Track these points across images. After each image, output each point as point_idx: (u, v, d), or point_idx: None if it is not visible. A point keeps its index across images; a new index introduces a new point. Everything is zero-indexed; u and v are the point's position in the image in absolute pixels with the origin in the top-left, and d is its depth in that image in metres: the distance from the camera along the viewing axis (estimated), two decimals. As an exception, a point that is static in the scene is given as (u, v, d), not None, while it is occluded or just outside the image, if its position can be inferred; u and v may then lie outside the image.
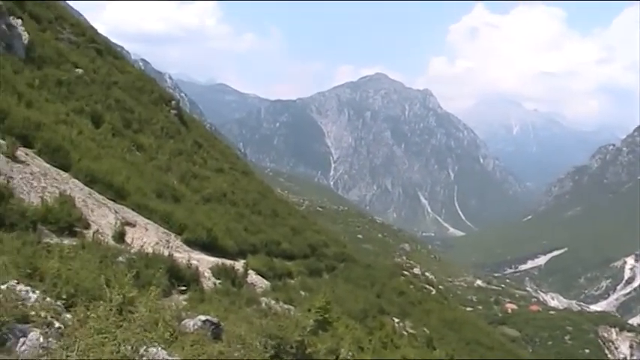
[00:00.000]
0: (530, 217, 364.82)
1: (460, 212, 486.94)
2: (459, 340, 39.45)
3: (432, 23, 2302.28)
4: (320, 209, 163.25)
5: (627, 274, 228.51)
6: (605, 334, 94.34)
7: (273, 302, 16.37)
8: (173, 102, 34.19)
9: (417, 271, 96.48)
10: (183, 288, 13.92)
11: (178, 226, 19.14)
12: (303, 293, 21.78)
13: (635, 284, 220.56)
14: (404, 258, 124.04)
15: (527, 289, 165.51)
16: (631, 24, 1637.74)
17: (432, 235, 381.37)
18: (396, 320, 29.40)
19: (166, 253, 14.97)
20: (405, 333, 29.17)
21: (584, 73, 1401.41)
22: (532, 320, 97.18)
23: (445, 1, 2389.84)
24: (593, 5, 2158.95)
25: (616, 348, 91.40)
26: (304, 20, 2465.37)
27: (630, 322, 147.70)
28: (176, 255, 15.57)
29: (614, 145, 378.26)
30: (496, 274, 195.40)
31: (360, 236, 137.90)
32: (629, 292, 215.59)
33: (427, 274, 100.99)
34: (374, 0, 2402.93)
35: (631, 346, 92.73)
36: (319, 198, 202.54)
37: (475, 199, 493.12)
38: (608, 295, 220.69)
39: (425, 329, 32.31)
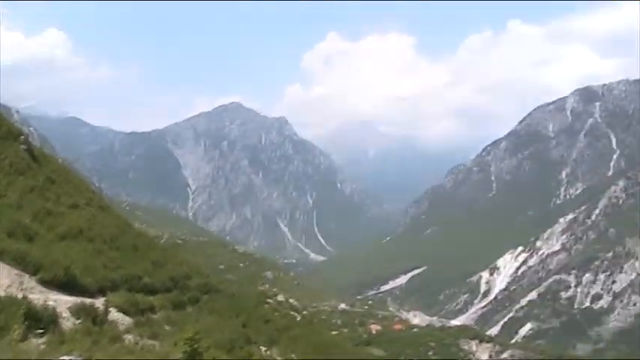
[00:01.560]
0: (389, 238, 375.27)
1: (320, 237, 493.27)
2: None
3: (286, 51, 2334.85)
4: (180, 241, 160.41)
5: (483, 287, 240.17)
6: (466, 347, 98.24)
7: (138, 338, 15.92)
8: (22, 137, 32.57)
9: (281, 298, 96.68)
10: (41, 331, 13.24)
11: (33, 265, 18.25)
12: (167, 327, 21.30)
13: (490, 297, 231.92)
14: (267, 286, 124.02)
15: (390, 309, 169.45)
16: (476, 50, 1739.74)
17: (294, 261, 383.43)
18: (264, 349, 29.29)
19: (20, 295, 14.23)
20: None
21: (436, 97, 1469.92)
22: (396, 339, 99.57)
23: (299, 30, 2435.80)
24: (441, 32, 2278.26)
25: (477, 359, 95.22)
26: (159, 50, 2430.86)
27: (488, 333, 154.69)
28: (31, 296, 14.81)
29: (464, 164, 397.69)
30: (359, 297, 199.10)
31: (222, 266, 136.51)
32: (486, 305, 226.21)
33: (291, 300, 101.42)
34: (227, 30, 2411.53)
35: (490, 356, 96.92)
36: (179, 230, 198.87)
37: (334, 224, 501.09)
38: (467, 309, 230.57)
39: (293, 355, 32.38)
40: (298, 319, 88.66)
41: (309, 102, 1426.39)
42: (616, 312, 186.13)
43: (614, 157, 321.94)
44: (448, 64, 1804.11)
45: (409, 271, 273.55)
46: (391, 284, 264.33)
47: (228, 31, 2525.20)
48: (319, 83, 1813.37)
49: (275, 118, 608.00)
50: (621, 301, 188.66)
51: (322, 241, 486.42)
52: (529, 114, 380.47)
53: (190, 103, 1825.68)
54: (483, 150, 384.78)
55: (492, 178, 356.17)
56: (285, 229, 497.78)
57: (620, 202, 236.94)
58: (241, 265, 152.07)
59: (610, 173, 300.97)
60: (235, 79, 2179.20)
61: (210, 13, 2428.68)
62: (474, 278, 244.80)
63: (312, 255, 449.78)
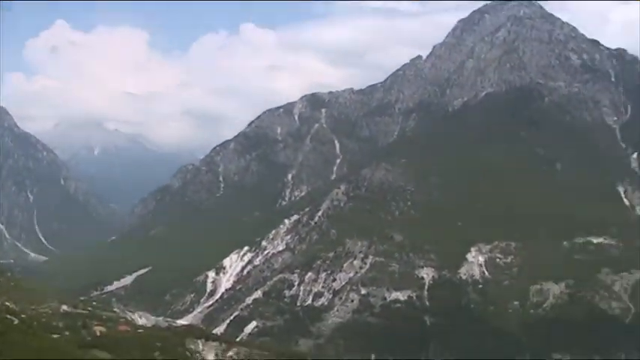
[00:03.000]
0: (114, 237, 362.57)
1: (41, 236, 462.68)
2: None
3: (7, 37, 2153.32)
4: None
5: (209, 287, 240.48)
6: (193, 346, 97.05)
7: None
8: None
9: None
10: None
11: None
12: None
13: (217, 296, 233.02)
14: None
15: (115, 310, 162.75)
16: (209, 51, 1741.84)
17: (12, 261, 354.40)
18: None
19: None
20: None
21: (169, 97, 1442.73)
22: (122, 340, 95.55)
23: (19, 13, 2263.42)
24: (175, 30, 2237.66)
25: (203, 358, 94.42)
26: None
27: (215, 331, 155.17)
28: None
29: (193, 164, 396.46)
30: (82, 298, 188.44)
31: None
32: (213, 304, 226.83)
33: (7, 303, 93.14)
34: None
35: (216, 355, 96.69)
36: None
37: (57, 223, 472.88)
38: (194, 308, 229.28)
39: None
40: (15, 322, 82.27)
41: (34, 93, 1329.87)
42: (335, 309, 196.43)
43: (337, 161, 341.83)
44: (182, 63, 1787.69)
45: (135, 271, 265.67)
46: (116, 285, 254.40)
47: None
48: (45, 74, 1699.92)
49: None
50: (340, 298, 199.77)
51: (43, 240, 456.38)
52: (258, 117, 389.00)
53: None
54: (212, 150, 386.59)
55: (220, 178, 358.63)
56: (2, 227, 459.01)
57: (342, 204, 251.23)
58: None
59: (333, 177, 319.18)
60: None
61: None
62: (201, 278, 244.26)
63: (33, 255, 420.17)
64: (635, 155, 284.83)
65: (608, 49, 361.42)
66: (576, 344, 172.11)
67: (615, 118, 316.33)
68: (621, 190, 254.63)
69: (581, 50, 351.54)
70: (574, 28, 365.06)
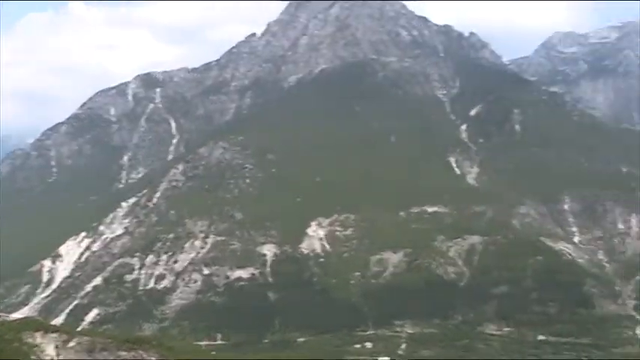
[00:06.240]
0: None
1: None
2: None
3: None
4: None
5: (46, 276, 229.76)
6: (30, 340, 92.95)
7: None
8: None
9: None
10: None
11: None
12: None
13: (54, 286, 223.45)
14: None
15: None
16: (35, 30, 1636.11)
17: None
18: None
19: None
20: None
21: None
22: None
23: None
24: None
25: (42, 351, 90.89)
26: None
27: (54, 322, 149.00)
28: None
29: (22, 149, 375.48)
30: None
31: None
32: (50, 295, 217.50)
33: None
34: None
35: (57, 347, 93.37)
36: None
37: None
38: (30, 300, 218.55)
39: None
40: None
41: None
42: (179, 290, 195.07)
43: (174, 142, 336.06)
44: (5, 42, 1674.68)
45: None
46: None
47: None
48: None
49: None
50: (183, 279, 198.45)
51: None
52: (90, 98, 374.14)
53: None
54: (43, 134, 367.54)
55: (53, 163, 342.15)
56: None
57: (180, 184, 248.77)
58: None
59: (170, 157, 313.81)
60: None
61: None
62: (36, 268, 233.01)
63: None
64: (464, 126, 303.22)
65: (436, 25, 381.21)
66: (416, 310, 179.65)
67: (445, 92, 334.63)
68: (452, 160, 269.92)
69: (410, 26, 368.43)
70: (404, 4, 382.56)
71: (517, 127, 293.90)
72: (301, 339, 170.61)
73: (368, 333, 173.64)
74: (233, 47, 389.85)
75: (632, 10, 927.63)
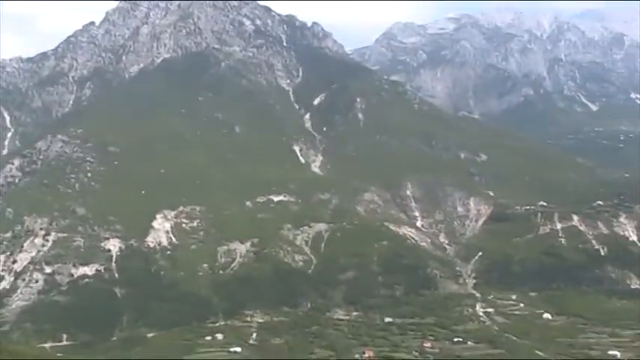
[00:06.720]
0: None
1: None
2: None
3: None
4: None
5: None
6: None
7: None
8: None
9: None
10: None
11: None
12: None
13: None
14: None
15: None
16: None
17: None
18: None
19: None
20: None
21: None
22: None
23: None
24: None
25: None
26: None
27: None
28: None
29: None
30: None
31: None
32: None
33: None
34: None
35: None
36: None
37: None
38: None
39: None
40: None
41: None
42: (19, 291, 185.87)
43: (9, 135, 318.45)
44: None
45: None
46: None
47: None
48: None
49: None
50: (23, 279, 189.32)
51: None
52: None
53: None
54: None
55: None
56: None
57: (17, 180, 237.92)
58: None
59: (5, 152, 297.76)
60: None
61: None
62: None
63: None
64: (307, 115, 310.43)
65: (279, 15, 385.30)
66: (265, 299, 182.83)
67: (288, 81, 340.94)
68: (297, 149, 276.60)
69: (254, 16, 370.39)
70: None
71: (360, 115, 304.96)
72: (151, 334, 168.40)
73: (218, 324, 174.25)
74: (70, 36, 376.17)
75: (470, 4, 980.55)
